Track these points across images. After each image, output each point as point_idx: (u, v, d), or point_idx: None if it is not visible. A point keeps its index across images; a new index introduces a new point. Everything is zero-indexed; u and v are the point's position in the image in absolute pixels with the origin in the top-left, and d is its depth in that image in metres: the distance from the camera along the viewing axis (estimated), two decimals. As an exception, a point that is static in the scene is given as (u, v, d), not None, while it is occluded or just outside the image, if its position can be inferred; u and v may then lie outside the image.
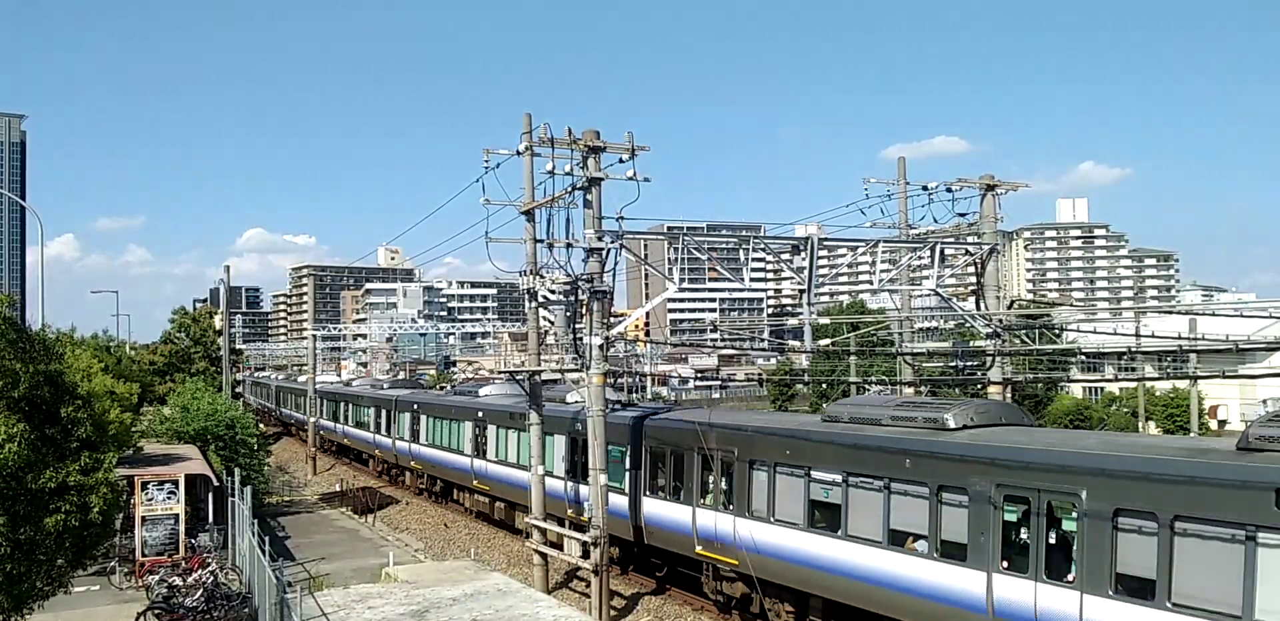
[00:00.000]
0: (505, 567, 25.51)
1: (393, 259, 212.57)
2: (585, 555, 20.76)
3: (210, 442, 31.97)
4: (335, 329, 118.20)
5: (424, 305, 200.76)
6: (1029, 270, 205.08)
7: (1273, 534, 10.97)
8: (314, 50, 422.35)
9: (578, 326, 20.98)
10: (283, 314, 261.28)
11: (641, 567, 24.18)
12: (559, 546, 23.02)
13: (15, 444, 11.52)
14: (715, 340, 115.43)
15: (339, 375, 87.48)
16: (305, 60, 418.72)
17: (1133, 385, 51.19)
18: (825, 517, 17.50)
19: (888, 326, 40.61)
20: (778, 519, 18.36)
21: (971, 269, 24.45)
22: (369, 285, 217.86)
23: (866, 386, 41.58)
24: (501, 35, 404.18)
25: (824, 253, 22.37)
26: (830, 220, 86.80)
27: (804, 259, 21.74)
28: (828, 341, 50.79)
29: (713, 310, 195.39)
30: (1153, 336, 37.57)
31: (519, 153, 21.63)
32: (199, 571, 20.33)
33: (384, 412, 44.26)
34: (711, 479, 20.33)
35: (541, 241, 21.34)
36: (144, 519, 23.47)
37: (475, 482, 32.70)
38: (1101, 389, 57.68)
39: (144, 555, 23.37)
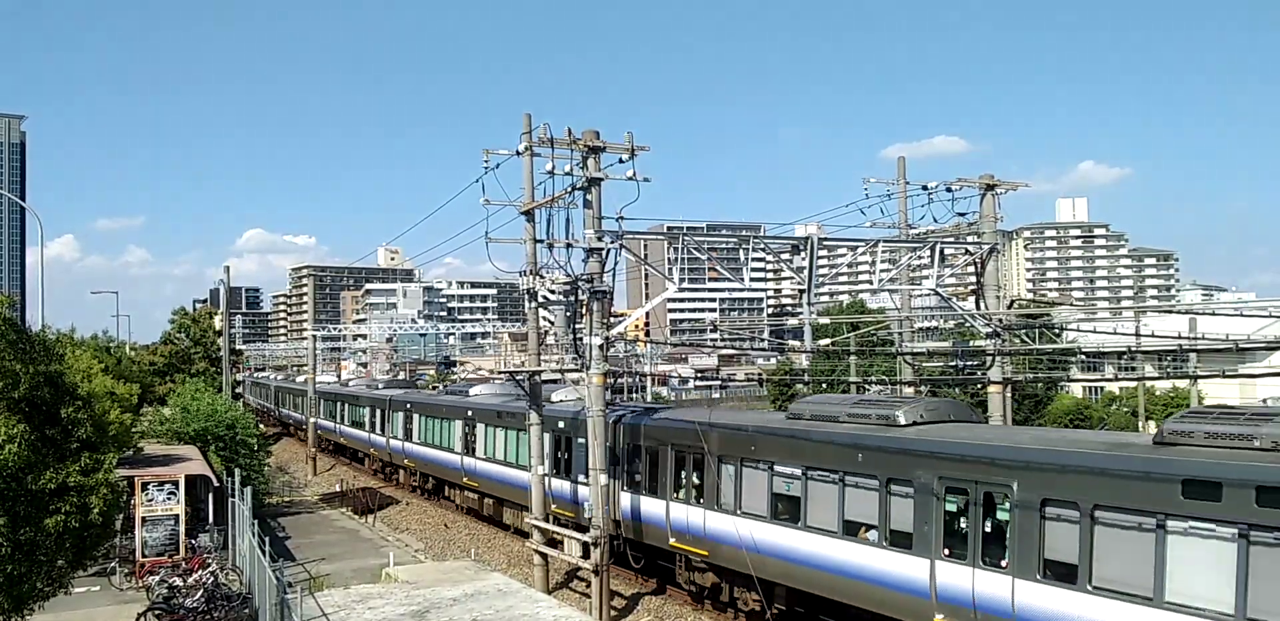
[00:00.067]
0: (505, 568, 25.51)
1: (393, 259, 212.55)
2: (585, 555, 20.80)
3: (210, 443, 31.99)
4: (335, 329, 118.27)
5: (424, 305, 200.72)
6: (1029, 270, 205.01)
7: (1180, 521, 11.70)
8: (314, 50, 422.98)
9: (578, 326, 21.02)
10: (283, 314, 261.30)
11: (620, 560, 24.40)
12: (558, 543, 23.05)
13: (15, 444, 11.52)
14: (715, 340, 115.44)
15: (338, 376, 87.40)
16: (305, 60, 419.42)
17: (1133, 385, 51.12)
18: (787, 510, 18.28)
19: (888, 326, 40.57)
20: (744, 511, 19.17)
21: (971, 269, 24.46)
22: (369, 285, 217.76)
23: (867, 386, 41.50)
24: (501, 35, 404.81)
25: (824, 252, 22.42)
26: (830, 220, 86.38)
27: (804, 259, 21.76)
28: (828, 341, 50.81)
29: (713, 310, 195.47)
30: (1153, 336, 37.54)
31: (519, 153, 21.66)
32: (199, 572, 20.33)
33: (379, 412, 44.64)
34: (684, 474, 21.06)
35: (541, 241, 21.36)
36: (144, 519, 23.52)
37: (465, 479, 33.14)
38: (1101, 388, 57.60)
39: (144, 555, 23.41)
